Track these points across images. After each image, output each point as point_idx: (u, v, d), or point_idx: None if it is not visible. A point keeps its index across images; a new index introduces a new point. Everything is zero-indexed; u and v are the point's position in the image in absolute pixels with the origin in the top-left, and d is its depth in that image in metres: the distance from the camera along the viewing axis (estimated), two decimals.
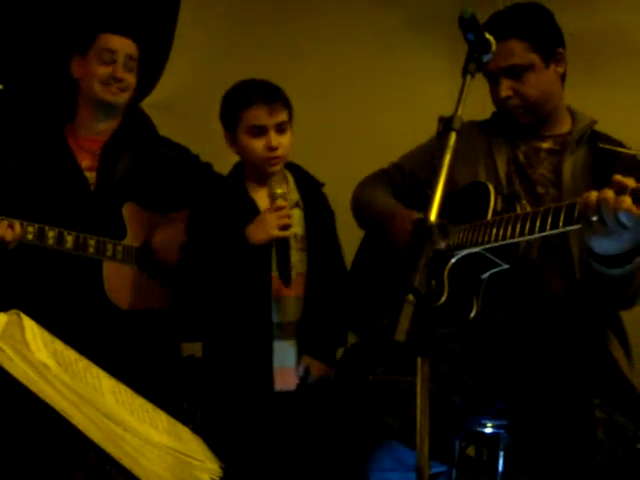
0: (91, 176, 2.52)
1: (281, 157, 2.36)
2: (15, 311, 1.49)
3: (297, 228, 2.42)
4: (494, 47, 1.70)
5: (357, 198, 2.42)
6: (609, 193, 1.64)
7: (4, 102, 3.01)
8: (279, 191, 2.33)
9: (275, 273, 2.36)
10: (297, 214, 2.44)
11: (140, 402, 1.55)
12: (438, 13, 3.30)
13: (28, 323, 1.47)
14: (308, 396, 2.40)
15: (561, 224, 1.73)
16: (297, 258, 2.41)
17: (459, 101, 1.62)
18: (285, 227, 2.29)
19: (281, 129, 2.35)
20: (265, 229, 2.28)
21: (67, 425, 1.30)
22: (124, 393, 1.53)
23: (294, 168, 2.51)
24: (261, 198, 2.40)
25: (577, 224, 1.72)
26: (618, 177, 1.64)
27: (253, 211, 2.36)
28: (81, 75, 2.53)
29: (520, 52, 2.04)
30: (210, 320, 2.44)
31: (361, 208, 2.40)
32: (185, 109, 3.38)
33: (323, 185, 2.54)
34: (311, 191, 2.51)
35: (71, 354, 1.50)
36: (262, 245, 2.29)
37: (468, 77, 1.65)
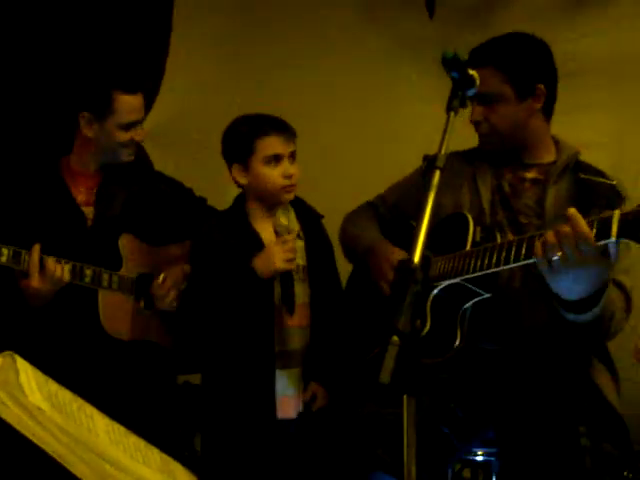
0: (88, 211, 2.55)
1: (295, 185, 2.45)
2: (9, 353, 1.51)
3: (298, 259, 2.47)
4: (478, 82, 1.74)
5: (343, 232, 2.46)
6: (566, 227, 1.65)
7: None
8: (285, 222, 2.42)
9: (278, 303, 2.42)
10: (298, 245, 2.49)
11: (133, 440, 1.57)
12: (427, 36, 3.36)
13: (22, 365, 1.49)
14: (310, 424, 2.45)
15: (534, 254, 1.75)
16: (299, 289, 2.47)
17: (443, 139, 1.65)
18: (290, 260, 2.36)
19: (293, 158, 2.45)
20: (272, 262, 2.34)
21: (61, 469, 1.32)
22: (117, 432, 1.56)
23: (295, 200, 2.56)
24: (265, 230, 2.46)
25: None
26: (572, 210, 1.66)
27: (257, 243, 2.42)
28: (95, 136, 2.49)
29: (493, 82, 2.06)
30: (212, 350, 2.48)
31: (347, 242, 2.44)
32: (175, 139, 3.42)
33: (322, 217, 2.60)
34: (311, 223, 2.58)
35: (65, 395, 1.53)
36: (269, 278, 2.36)
37: (452, 114, 1.68)
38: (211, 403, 2.50)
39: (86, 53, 3.14)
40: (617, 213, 1.62)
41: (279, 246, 2.35)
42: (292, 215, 2.54)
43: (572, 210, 1.66)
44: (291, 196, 2.46)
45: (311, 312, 2.47)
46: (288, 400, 2.44)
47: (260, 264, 2.35)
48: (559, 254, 1.66)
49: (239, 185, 2.50)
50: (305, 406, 2.45)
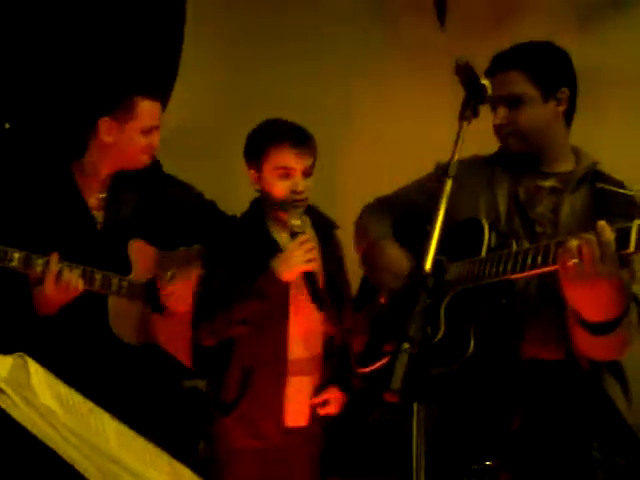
0: (98, 215, 2.56)
1: (304, 200, 2.43)
2: (20, 354, 1.51)
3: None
4: (490, 92, 1.74)
5: (356, 222, 2.44)
6: (589, 235, 1.65)
7: (11, 140, 3.06)
8: (296, 223, 2.39)
9: (291, 308, 2.42)
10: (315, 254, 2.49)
11: (142, 443, 1.57)
12: (438, 46, 3.37)
13: (33, 366, 1.49)
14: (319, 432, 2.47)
15: (551, 262, 1.75)
16: None
17: (455, 147, 1.65)
18: (310, 260, 2.35)
19: (307, 173, 2.42)
20: (293, 264, 2.33)
21: (72, 470, 1.33)
22: (127, 435, 1.56)
23: (310, 209, 2.56)
24: (281, 233, 2.47)
25: None
26: (602, 222, 1.65)
27: (274, 247, 2.43)
28: (114, 140, 2.50)
29: (519, 82, 2.06)
30: (222, 354, 2.48)
31: (357, 232, 2.42)
32: (184, 144, 3.43)
33: (338, 227, 2.61)
34: (326, 231, 2.58)
35: (75, 397, 1.53)
36: (288, 280, 2.35)
37: (464, 123, 1.68)
38: (219, 408, 2.49)
39: (102, 59, 3.17)
40: (636, 223, 1.60)
41: (298, 247, 2.34)
42: (308, 223, 2.54)
43: (602, 222, 1.65)
44: (299, 210, 2.44)
45: (326, 320, 2.47)
46: (299, 407, 2.44)
47: (281, 267, 2.33)
48: (576, 261, 1.65)
49: (256, 189, 2.50)
50: (313, 411, 2.45)
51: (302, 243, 2.35)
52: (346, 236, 2.55)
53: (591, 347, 1.84)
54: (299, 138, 2.41)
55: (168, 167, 2.94)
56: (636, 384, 2.07)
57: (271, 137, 2.41)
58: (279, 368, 2.41)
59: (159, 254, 2.63)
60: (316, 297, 2.37)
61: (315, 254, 2.39)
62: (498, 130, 2.12)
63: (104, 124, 2.49)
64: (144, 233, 2.59)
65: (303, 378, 2.45)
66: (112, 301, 2.49)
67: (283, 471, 2.43)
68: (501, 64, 2.08)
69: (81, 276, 2.38)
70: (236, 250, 2.44)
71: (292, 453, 2.44)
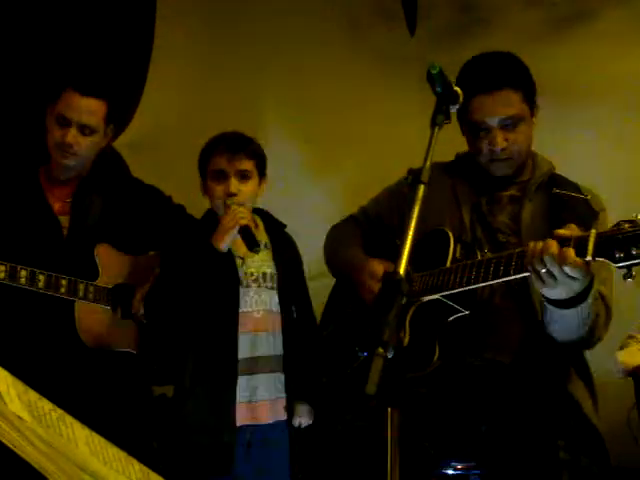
0: (64, 220, 2.52)
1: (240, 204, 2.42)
2: None
3: (265, 268, 2.51)
4: (461, 99, 1.75)
5: (326, 247, 2.46)
6: (553, 246, 1.67)
7: None
8: (229, 201, 2.41)
9: (242, 310, 2.42)
10: (266, 255, 2.53)
11: (113, 451, 1.55)
12: (408, 55, 3.40)
13: (1, 374, 1.47)
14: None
15: (512, 271, 1.77)
16: (267, 296, 2.48)
17: (427, 153, 1.65)
18: (240, 218, 2.35)
19: (243, 176, 2.44)
20: (223, 229, 2.35)
21: (41, 478, 1.31)
22: (97, 442, 1.54)
23: (262, 213, 2.62)
24: (233, 242, 2.44)
25: (527, 272, 1.75)
26: (560, 232, 1.68)
27: (227, 254, 2.41)
28: (47, 130, 2.49)
29: (516, 102, 2.01)
30: (180, 358, 2.47)
31: (329, 258, 2.44)
32: (157, 148, 3.42)
33: (285, 226, 2.64)
34: (278, 233, 2.61)
35: (45, 404, 1.51)
36: (226, 246, 2.36)
37: (436, 129, 1.69)
38: (177, 409, 2.47)
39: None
40: (593, 233, 1.63)
41: (229, 214, 2.36)
42: (261, 227, 2.59)
43: (559, 232, 1.68)
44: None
45: (283, 320, 2.49)
46: (255, 406, 2.42)
47: (215, 238, 2.36)
48: (543, 270, 1.68)
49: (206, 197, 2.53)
50: (293, 427, 2.46)
51: (233, 211, 2.37)
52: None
53: (557, 321, 1.86)
54: (232, 142, 2.46)
55: (136, 171, 2.93)
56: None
57: (208, 148, 2.48)
58: (229, 367, 2.40)
59: (126, 259, 2.60)
60: (251, 243, 2.36)
61: (247, 215, 2.39)
62: (495, 155, 2.04)
63: (48, 110, 2.48)
64: (111, 237, 2.55)
65: (266, 376, 2.44)
66: (79, 307, 2.46)
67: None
68: (489, 83, 2.00)
69: (46, 282, 2.35)
70: (187, 250, 2.43)
71: (245, 450, 2.41)
